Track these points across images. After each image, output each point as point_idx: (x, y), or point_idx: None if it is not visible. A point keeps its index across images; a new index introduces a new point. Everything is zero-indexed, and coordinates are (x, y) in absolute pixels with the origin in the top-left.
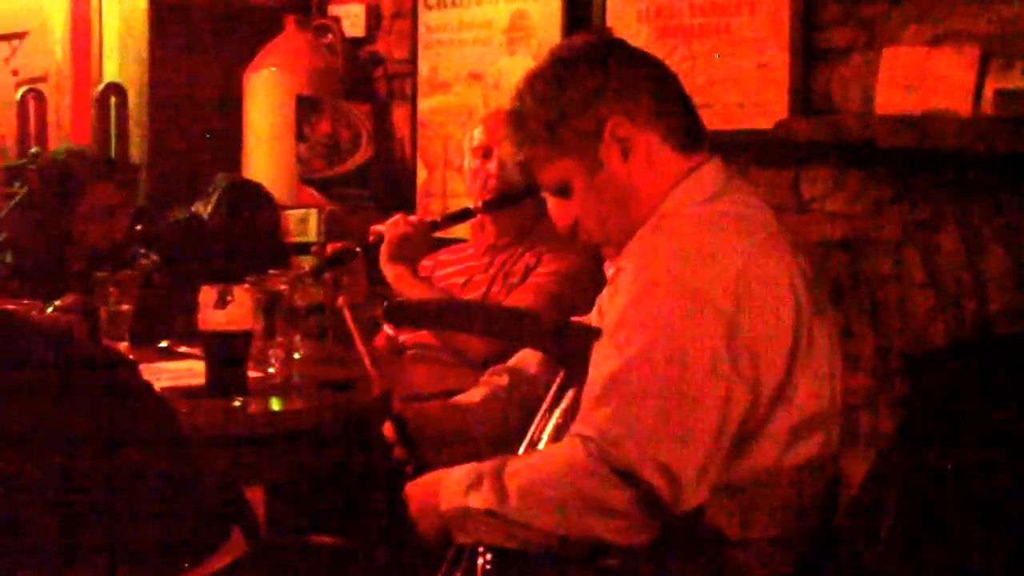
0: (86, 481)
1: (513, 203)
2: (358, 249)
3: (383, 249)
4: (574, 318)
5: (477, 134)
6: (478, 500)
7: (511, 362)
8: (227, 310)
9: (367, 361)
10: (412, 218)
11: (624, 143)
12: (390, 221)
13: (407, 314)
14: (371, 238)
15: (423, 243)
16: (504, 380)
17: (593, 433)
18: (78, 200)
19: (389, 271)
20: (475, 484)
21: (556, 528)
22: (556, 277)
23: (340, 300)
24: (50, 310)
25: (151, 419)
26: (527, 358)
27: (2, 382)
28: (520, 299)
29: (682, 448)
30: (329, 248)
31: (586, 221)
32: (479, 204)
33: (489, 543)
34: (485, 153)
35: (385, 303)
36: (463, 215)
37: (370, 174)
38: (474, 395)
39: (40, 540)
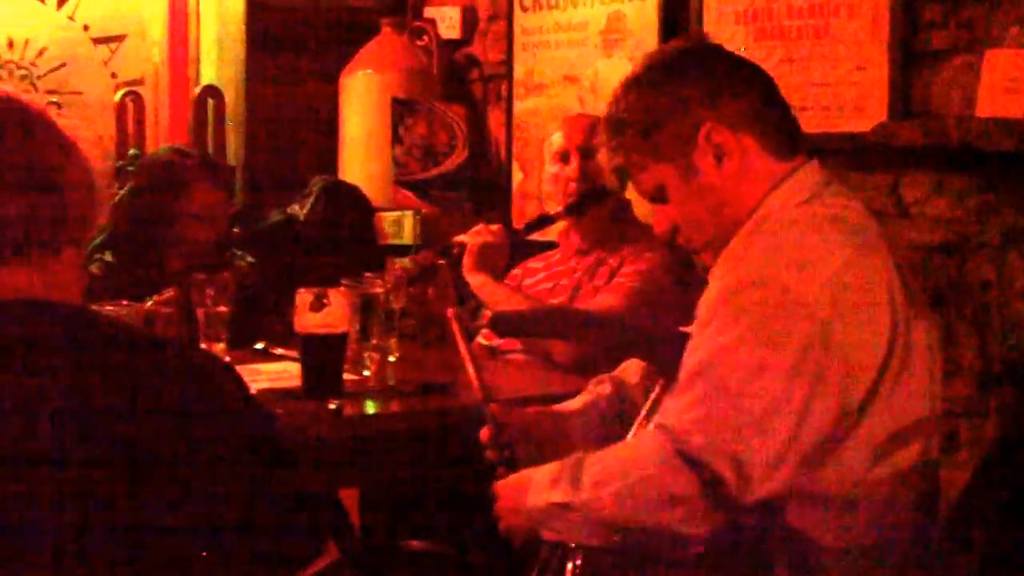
0: (181, 491)
1: (592, 206)
2: (441, 262)
3: (465, 259)
4: (682, 328)
5: (556, 139)
6: (558, 494)
7: (616, 372)
8: (323, 312)
9: (471, 368)
10: (494, 227)
11: (719, 148)
12: (473, 230)
13: (512, 325)
14: (454, 249)
15: (505, 251)
16: (607, 389)
17: (668, 421)
18: (181, 199)
19: (472, 280)
20: (558, 479)
21: (623, 517)
22: (640, 275)
23: (450, 311)
24: (148, 304)
25: (249, 426)
26: (631, 367)
27: (95, 391)
28: (606, 300)
29: (753, 441)
30: (415, 261)
31: (684, 226)
32: (559, 209)
33: (571, 539)
34: (564, 157)
35: (491, 315)
36: (543, 222)
37: (465, 176)
38: (574, 403)
39: (143, 551)
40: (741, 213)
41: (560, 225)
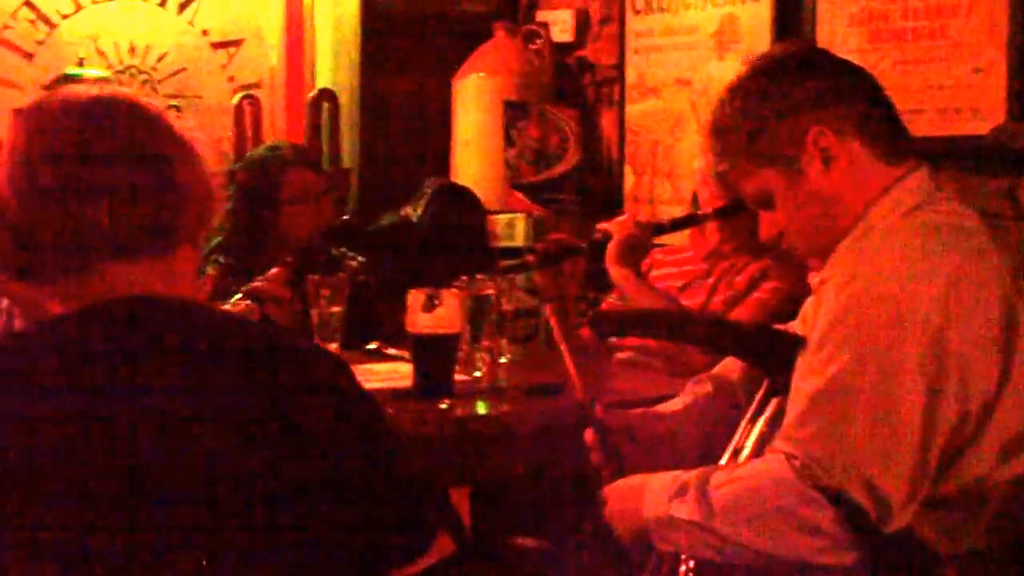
0: (295, 485)
1: (744, 210)
2: (583, 246)
3: (610, 249)
4: (778, 326)
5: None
6: (682, 510)
7: (715, 370)
8: (435, 313)
9: (572, 369)
10: (641, 219)
11: (826, 153)
12: (619, 220)
13: (612, 324)
14: (597, 235)
15: (647, 246)
16: (707, 388)
17: (798, 452)
18: (279, 187)
19: (615, 271)
20: (679, 493)
21: (760, 544)
22: (779, 295)
23: (548, 308)
24: (257, 281)
25: (363, 422)
26: (730, 366)
27: (213, 386)
28: (741, 313)
29: (888, 467)
30: (552, 241)
31: (790, 232)
32: (710, 210)
33: (691, 554)
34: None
35: (590, 312)
36: (691, 220)
37: (577, 180)
38: (676, 403)
39: (253, 544)
40: (848, 219)
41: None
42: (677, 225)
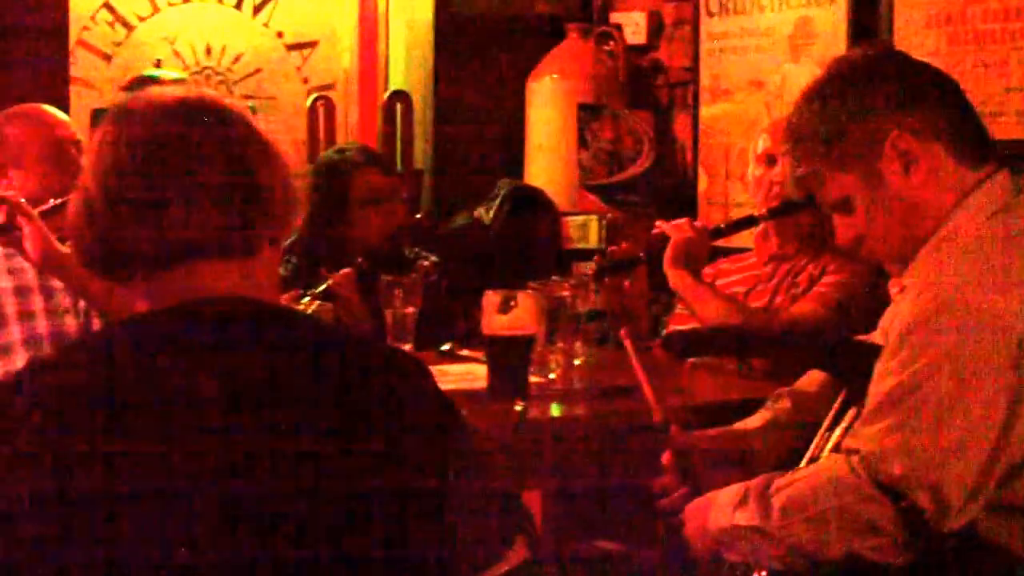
0: (374, 487)
1: (797, 211)
2: (642, 255)
3: (667, 253)
4: (858, 336)
5: (762, 142)
6: (744, 517)
7: (795, 384)
8: (510, 315)
9: (648, 391)
10: (697, 223)
11: (906, 157)
12: (676, 223)
13: (686, 344)
14: (655, 232)
15: (706, 249)
16: (787, 404)
17: (861, 447)
18: (348, 189)
19: (673, 275)
20: (742, 502)
21: (816, 546)
22: (840, 287)
23: (622, 331)
24: (328, 283)
25: (441, 425)
26: (810, 378)
27: (294, 387)
28: (804, 308)
29: (952, 468)
30: (612, 252)
31: (869, 237)
32: (763, 211)
33: (757, 562)
34: (769, 160)
35: (664, 334)
36: (746, 223)
37: (651, 181)
38: (754, 420)
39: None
40: (928, 224)
41: (754, 228)
42: (734, 227)
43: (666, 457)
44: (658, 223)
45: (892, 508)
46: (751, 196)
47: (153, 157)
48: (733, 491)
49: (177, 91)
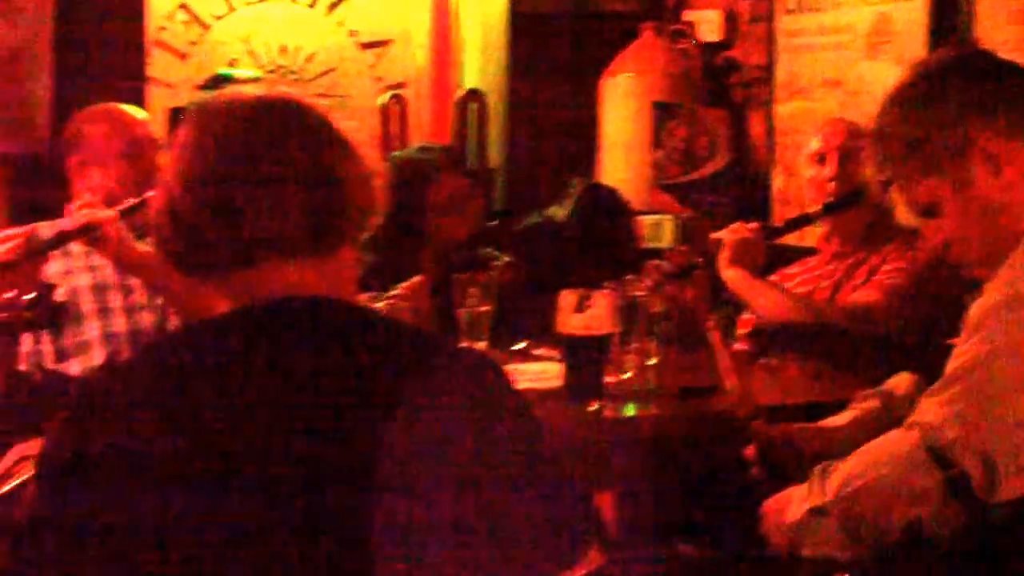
0: (451, 486)
1: (849, 206)
2: (700, 260)
3: (721, 254)
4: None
5: (814, 142)
6: (810, 500)
7: (884, 385)
8: (586, 314)
9: (735, 384)
10: (752, 224)
11: (994, 159)
12: (731, 227)
13: (771, 338)
14: (711, 247)
15: (762, 249)
16: (875, 403)
17: (920, 418)
18: (429, 191)
19: (728, 275)
20: (810, 486)
21: (871, 515)
22: (901, 273)
23: (710, 323)
24: (397, 289)
25: (518, 425)
26: (900, 379)
27: (372, 387)
28: (866, 296)
29: (1005, 439)
30: (670, 258)
31: (956, 241)
32: (818, 209)
33: (827, 552)
34: (820, 159)
35: (753, 328)
36: (802, 221)
37: (725, 180)
38: (841, 418)
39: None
40: (1019, 225)
41: (818, 230)
42: (789, 227)
43: (750, 451)
44: (712, 235)
45: (940, 474)
46: (806, 197)
47: (234, 155)
48: (806, 485)
49: (256, 90)
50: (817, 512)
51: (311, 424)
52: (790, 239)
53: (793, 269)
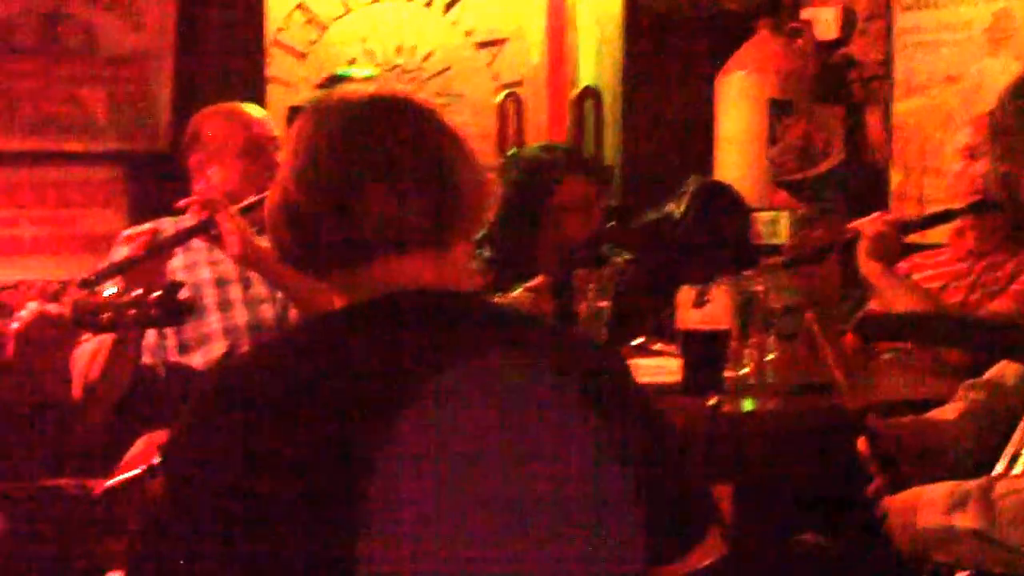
0: (577, 478)
1: (999, 208)
2: (834, 245)
3: (861, 245)
4: None
5: (964, 135)
6: (964, 520)
7: (988, 375)
8: (705, 309)
9: (840, 376)
10: (890, 217)
11: None
12: (869, 219)
13: (880, 328)
14: (848, 235)
15: (899, 243)
16: (981, 395)
17: None
18: (553, 193)
19: (867, 268)
20: (959, 504)
21: None
22: None
23: (808, 315)
24: (519, 290)
25: (644, 417)
26: (1007, 370)
27: (498, 379)
28: (1000, 306)
29: None
30: (806, 239)
31: None
32: (963, 206)
33: (973, 566)
34: (971, 154)
35: (860, 316)
36: (945, 216)
37: (842, 177)
38: (949, 411)
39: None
40: None
41: (948, 225)
42: (929, 221)
43: (861, 444)
44: (851, 223)
45: None
46: (949, 190)
47: (349, 153)
48: (944, 490)
49: (369, 88)
50: (980, 536)
51: (436, 415)
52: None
53: (920, 260)
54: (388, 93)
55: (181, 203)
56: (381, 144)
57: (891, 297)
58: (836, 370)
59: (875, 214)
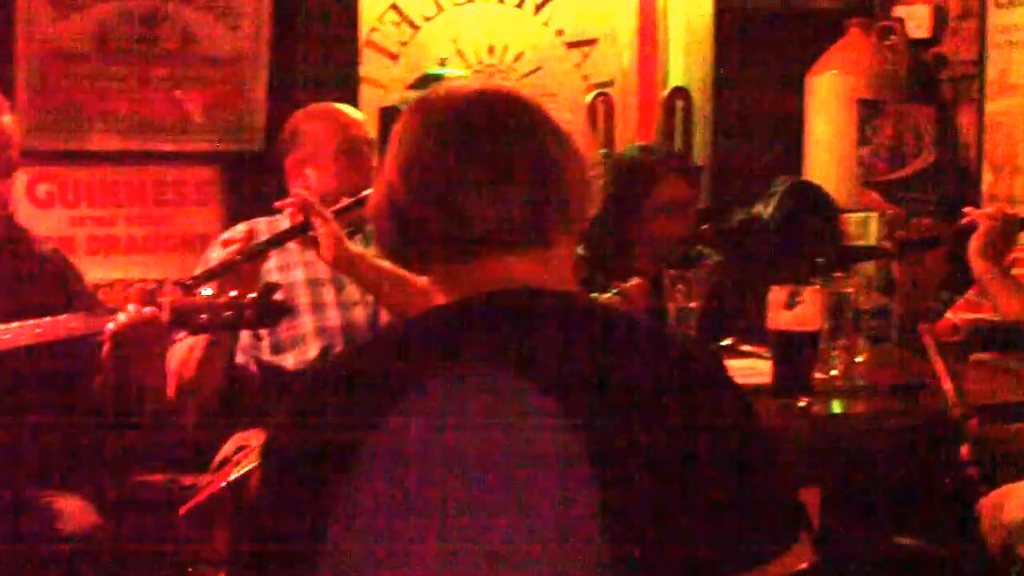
0: (673, 478)
1: None
2: (942, 237)
3: (974, 241)
4: None
5: None
6: None
7: None
8: (796, 310)
9: (948, 385)
10: (1009, 212)
11: None
12: (986, 212)
13: (990, 335)
14: (963, 221)
15: (1014, 240)
16: None
17: None
18: (649, 194)
19: (978, 265)
20: None
21: None
22: None
23: (922, 326)
24: (613, 292)
25: (739, 417)
26: None
27: (600, 377)
28: None
29: None
30: (916, 227)
31: None
32: None
33: None
34: None
35: (969, 324)
36: None
37: (933, 177)
38: None
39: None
40: None
41: None
42: None
43: (965, 450)
44: (967, 210)
45: None
46: None
47: (454, 148)
48: None
49: (474, 84)
50: None
51: (540, 413)
52: None
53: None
54: (493, 88)
55: (278, 204)
56: (487, 141)
57: (1001, 298)
58: (945, 380)
59: (993, 207)
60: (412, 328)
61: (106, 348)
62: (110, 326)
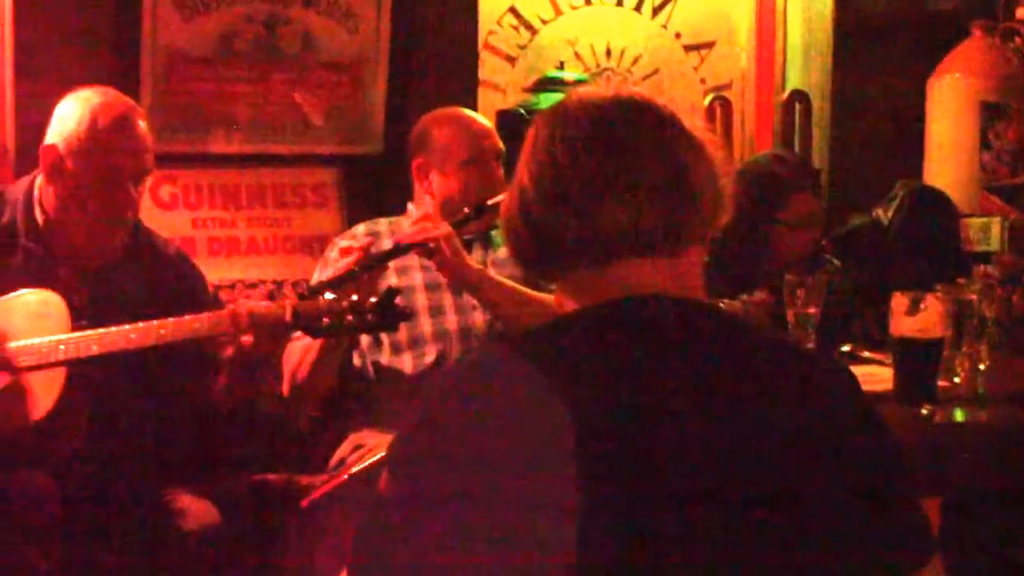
0: (813, 492)
1: None
2: None
3: None
4: None
5: None
6: None
7: None
8: (918, 317)
9: None
10: None
11: None
12: None
13: None
14: None
15: None
16: None
17: None
18: (781, 208)
19: None
20: None
21: None
22: None
23: None
24: (738, 302)
25: (872, 433)
26: None
27: (733, 389)
28: None
29: None
30: (1000, 264)
31: None
32: None
33: None
34: None
35: None
36: None
37: None
38: None
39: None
40: None
41: None
42: None
43: None
44: None
45: None
46: None
47: (589, 154)
48: None
49: (610, 90)
50: None
51: (667, 424)
52: None
53: None
54: (626, 94)
55: (414, 222)
56: (621, 150)
57: None
58: None
59: None
60: (549, 334)
61: (229, 349)
62: (240, 312)
